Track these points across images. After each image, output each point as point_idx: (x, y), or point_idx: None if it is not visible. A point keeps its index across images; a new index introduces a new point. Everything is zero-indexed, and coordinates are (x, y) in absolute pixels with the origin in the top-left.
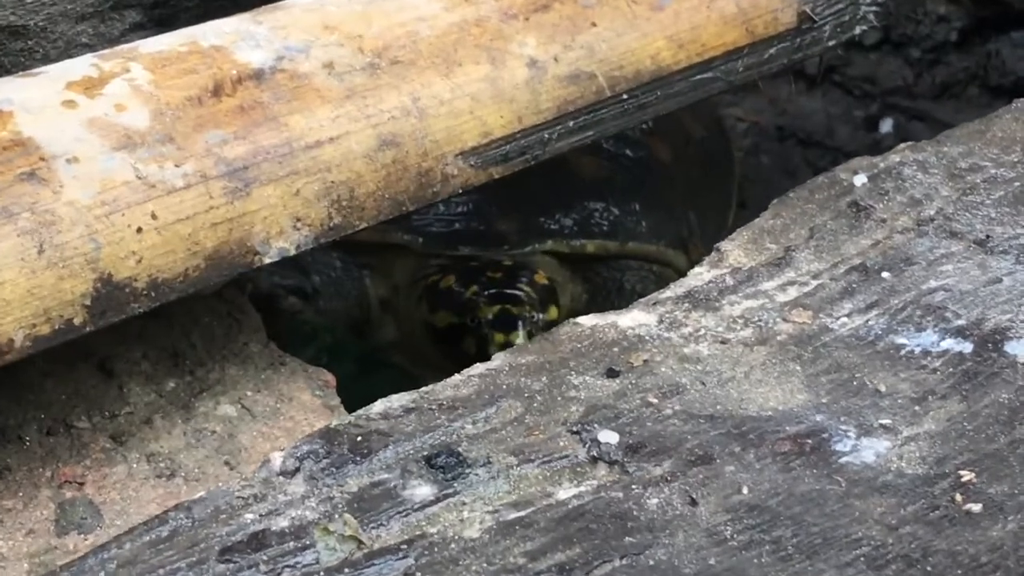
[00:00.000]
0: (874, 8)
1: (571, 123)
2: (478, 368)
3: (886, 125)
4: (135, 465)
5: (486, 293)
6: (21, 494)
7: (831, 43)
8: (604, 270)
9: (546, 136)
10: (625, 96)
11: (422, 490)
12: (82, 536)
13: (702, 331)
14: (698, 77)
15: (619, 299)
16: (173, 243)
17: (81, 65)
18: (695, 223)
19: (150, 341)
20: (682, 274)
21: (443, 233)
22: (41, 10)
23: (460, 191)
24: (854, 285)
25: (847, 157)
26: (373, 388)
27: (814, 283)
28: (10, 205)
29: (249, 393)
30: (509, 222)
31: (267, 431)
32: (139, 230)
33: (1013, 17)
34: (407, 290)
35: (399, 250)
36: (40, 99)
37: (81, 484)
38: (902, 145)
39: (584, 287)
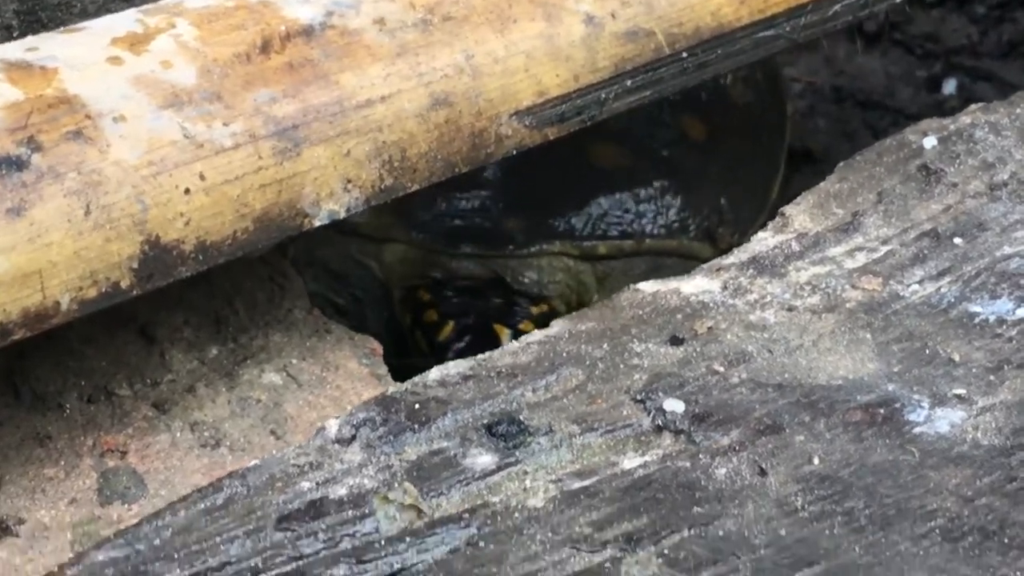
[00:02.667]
0: None
1: (629, 82)
2: (537, 335)
3: (949, 86)
4: (179, 434)
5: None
6: (63, 463)
7: None
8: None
9: (603, 96)
10: (685, 54)
11: (483, 459)
12: (126, 506)
13: (768, 298)
14: (760, 35)
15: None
16: (221, 204)
17: (125, 21)
18: (727, 208)
19: (192, 307)
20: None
21: (444, 230)
22: None
23: (515, 152)
24: (925, 251)
25: (908, 119)
26: None
27: (883, 249)
28: (56, 165)
29: (294, 361)
30: (516, 219)
31: (313, 400)
32: (187, 191)
33: None
34: (397, 291)
35: (395, 243)
36: (84, 56)
37: (124, 453)
38: (973, 106)
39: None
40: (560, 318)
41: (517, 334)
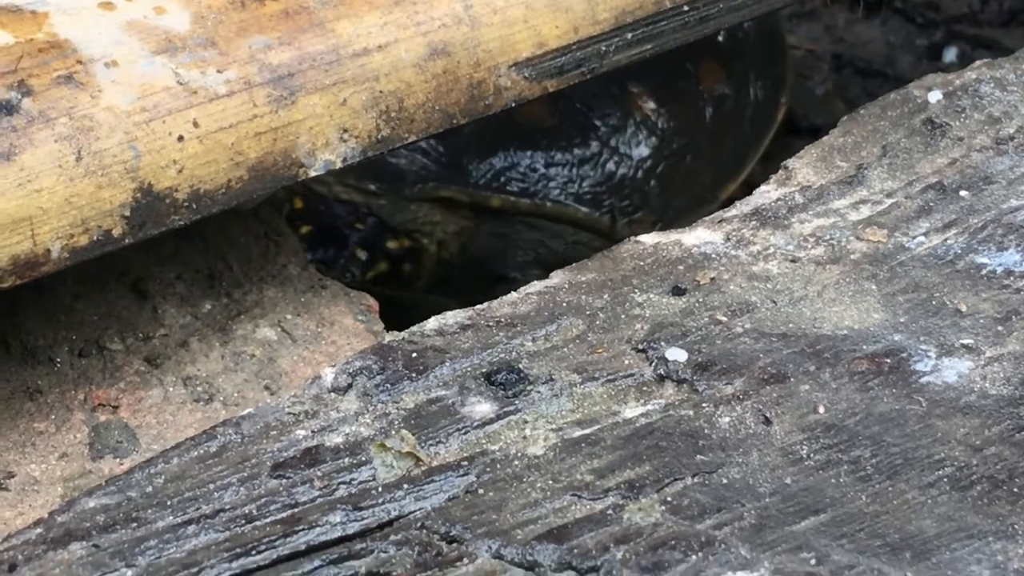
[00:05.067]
0: None
1: (629, 35)
2: (536, 286)
3: (950, 54)
4: (171, 389)
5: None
6: (53, 417)
7: None
8: (516, 229)
9: (603, 48)
10: (686, 7)
11: (482, 407)
12: (117, 460)
13: (771, 249)
14: None
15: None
16: (215, 152)
17: None
18: (654, 193)
19: (184, 262)
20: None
21: None
22: None
23: (513, 104)
24: (931, 204)
25: None
26: None
27: (888, 201)
28: (47, 109)
29: (289, 316)
30: (416, 160)
31: (308, 356)
32: (180, 138)
33: None
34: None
35: None
36: (76, 0)
37: (115, 407)
38: (978, 62)
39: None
40: (560, 269)
41: (372, 259)
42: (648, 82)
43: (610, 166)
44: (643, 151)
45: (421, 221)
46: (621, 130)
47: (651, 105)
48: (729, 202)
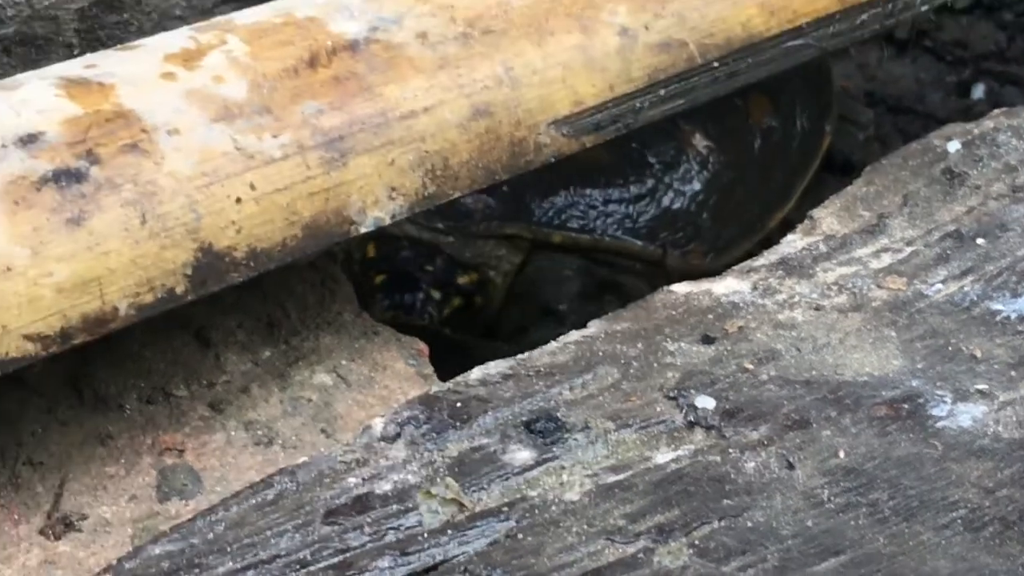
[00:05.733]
0: None
1: (662, 91)
2: (574, 335)
3: (978, 90)
4: (233, 433)
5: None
6: (123, 461)
7: (923, 7)
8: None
9: (638, 104)
10: (716, 64)
11: (522, 454)
12: (183, 502)
13: (796, 298)
14: (789, 44)
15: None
16: (271, 213)
17: (178, 38)
18: (707, 225)
19: (245, 310)
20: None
21: None
22: None
23: (553, 160)
24: (948, 252)
25: (939, 123)
26: None
27: (908, 250)
28: (114, 176)
29: (344, 362)
30: (481, 199)
31: (362, 399)
32: (238, 200)
33: None
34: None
35: None
36: (140, 72)
37: (181, 451)
38: (996, 111)
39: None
40: (596, 319)
41: (446, 297)
42: (699, 119)
43: (664, 201)
44: (695, 185)
45: (487, 255)
46: (674, 166)
47: (703, 141)
48: (778, 230)
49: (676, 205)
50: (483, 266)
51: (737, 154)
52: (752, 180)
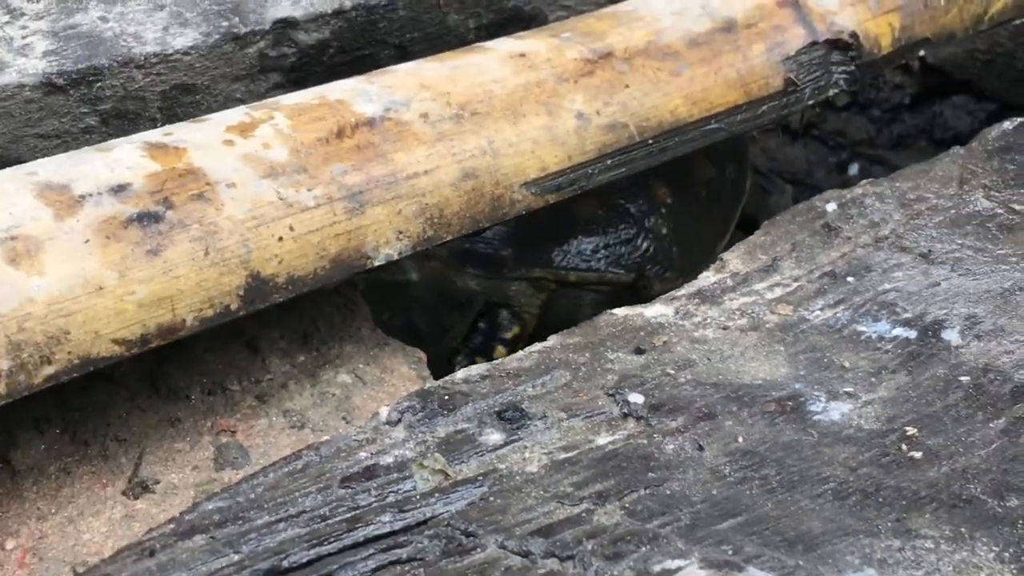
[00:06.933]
0: (844, 75)
1: (609, 161)
2: (536, 346)
3: (853, 168)
4: (274, 419)
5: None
6: (188, 439)
7: (810, 102)
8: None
9: (590, 171)
10: (651, 141)
11: (494, 436)
12: (234, 471)
13: (708, 320)
14: (706, 128)
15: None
16: (306, 249)
17: (237, 114)
18: (677, 257)
19: (286, 325)
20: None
21: (460, 253)
22: (206, 72)
23: (523, 213)
24: (825, 287)
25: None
26: None
27: (795, 284)
28: (184, 218)
29: (361, 365)
30: (511, 249)
31: (375, 394)
32: (280, 239)
33: (954, 85)
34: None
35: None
36: (206, 139)
37: (234, 433)
38: (864, 181)
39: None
40: (554, 334)
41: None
42: (664, 178)
43: (645, 242)
44: (665, 228)
45: (518, 296)
46: (649, 214)
47: (667, 194)
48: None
49: (654, 245)
50: (516, 307)
51: (690, 201)
52: (702, 219)
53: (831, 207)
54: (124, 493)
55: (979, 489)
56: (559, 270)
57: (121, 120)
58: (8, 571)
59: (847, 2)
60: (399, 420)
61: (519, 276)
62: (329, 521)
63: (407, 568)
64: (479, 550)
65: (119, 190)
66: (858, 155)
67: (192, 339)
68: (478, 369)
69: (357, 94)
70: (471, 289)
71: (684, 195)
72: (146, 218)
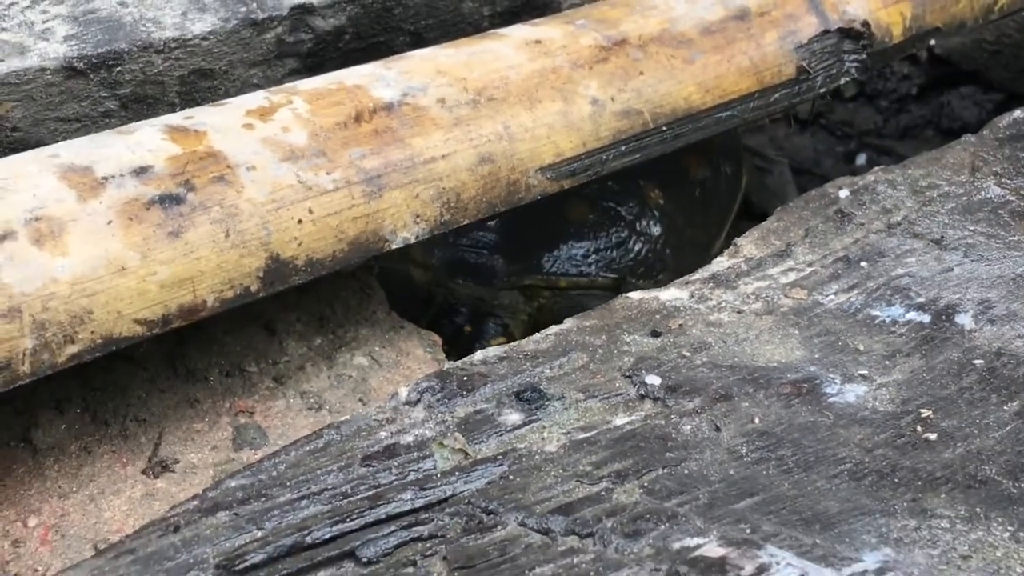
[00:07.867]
0: (855, 64)
1: (623, 148)
2: (553, 329)
3: (860, 159)
4: (292, 400)
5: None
6: (207, 419)
7: (822, 91)
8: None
9: (604, 157)
10: (664, 128)
11: (513, 417)
12: (252, 452)
13: (723, 304)
14: (720, 115)
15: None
16: (324, 232)
17: (256, 98)
18: (670, 258)
19: (303, 308)
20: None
21: (453, 261)
22: (224, 57)
23: (539, 197)
24: (839, 271)
25: None
26: None
27: (808, 269)
28: (205, 200)
29: (377, 348)
30: (502, 258)
31: (390, 377)
32: (299, 221)
33: (960, 76)
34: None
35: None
36: (226, 123)
37: (252, 413)
38: (876, 168)
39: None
40: (571, 317)
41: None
42: (655, 178)
43: (637, 245)
44: (657, 230)
45: (508, 306)
46: (641, 217)
47: (659, 195)
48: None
49: (647, 247)
50: (506, 317)
51: (683, 201)
52: (696, 218)
53: (843, 194)
54: (144, 472)
55: (994, 470)
56: (550, 276)
57: (140, 104)
58: (31, 548)
59: None
60: (418, 400)
61: (510, 285)
62: (351, 498)
63: (428, 545)
64: (500, 527)
65: (141, 172)
66: (865, 145)
67: (210, 321)
68: (496, 351)
69: (375, 79)
70: (467, 295)
71: (677, 196)
72: (168, 200)
